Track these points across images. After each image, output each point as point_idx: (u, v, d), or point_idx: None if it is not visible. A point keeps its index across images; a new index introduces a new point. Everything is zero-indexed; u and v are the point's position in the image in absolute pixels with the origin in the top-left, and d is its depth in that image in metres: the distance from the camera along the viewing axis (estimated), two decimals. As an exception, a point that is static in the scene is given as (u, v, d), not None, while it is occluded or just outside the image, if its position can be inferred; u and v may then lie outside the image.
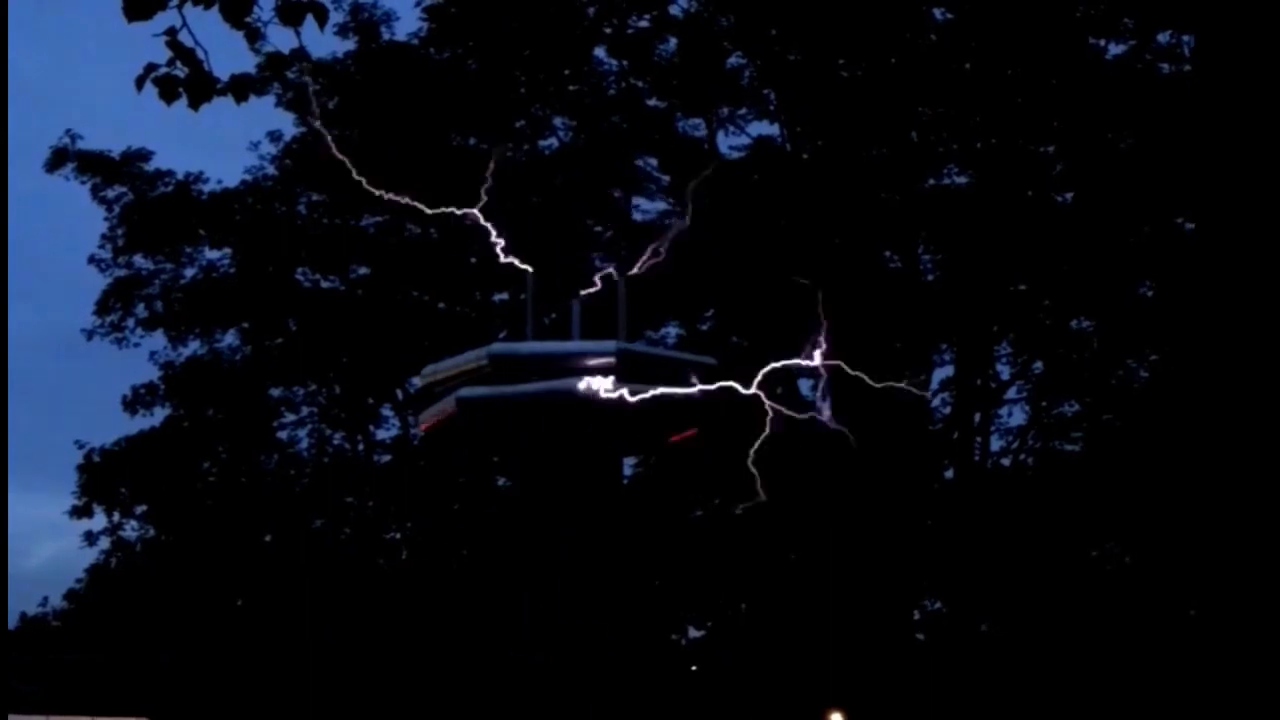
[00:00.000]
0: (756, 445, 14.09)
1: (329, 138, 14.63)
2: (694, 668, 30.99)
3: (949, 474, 29.52)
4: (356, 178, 14.49)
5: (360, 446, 33.08)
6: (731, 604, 31.69)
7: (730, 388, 14.54)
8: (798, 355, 30.15)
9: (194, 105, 7.66)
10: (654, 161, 30.64)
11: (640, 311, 22.15)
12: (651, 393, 13.82)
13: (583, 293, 14.80)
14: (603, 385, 13.54)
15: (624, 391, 13.65)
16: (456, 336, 26.37)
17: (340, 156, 14.41)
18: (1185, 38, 27.88)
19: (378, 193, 15.23)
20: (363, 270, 32.24)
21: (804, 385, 30.46)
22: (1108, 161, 27.63)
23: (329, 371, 32.25)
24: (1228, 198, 25.47)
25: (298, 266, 32.23)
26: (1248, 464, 24.29)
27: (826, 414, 14.37)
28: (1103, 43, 28.67)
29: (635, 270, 14.36)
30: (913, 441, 28.22)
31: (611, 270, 15.34)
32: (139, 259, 32.20)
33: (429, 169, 29.30)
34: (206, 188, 31.98)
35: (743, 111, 30.14)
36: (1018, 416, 29.57)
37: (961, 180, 29.40)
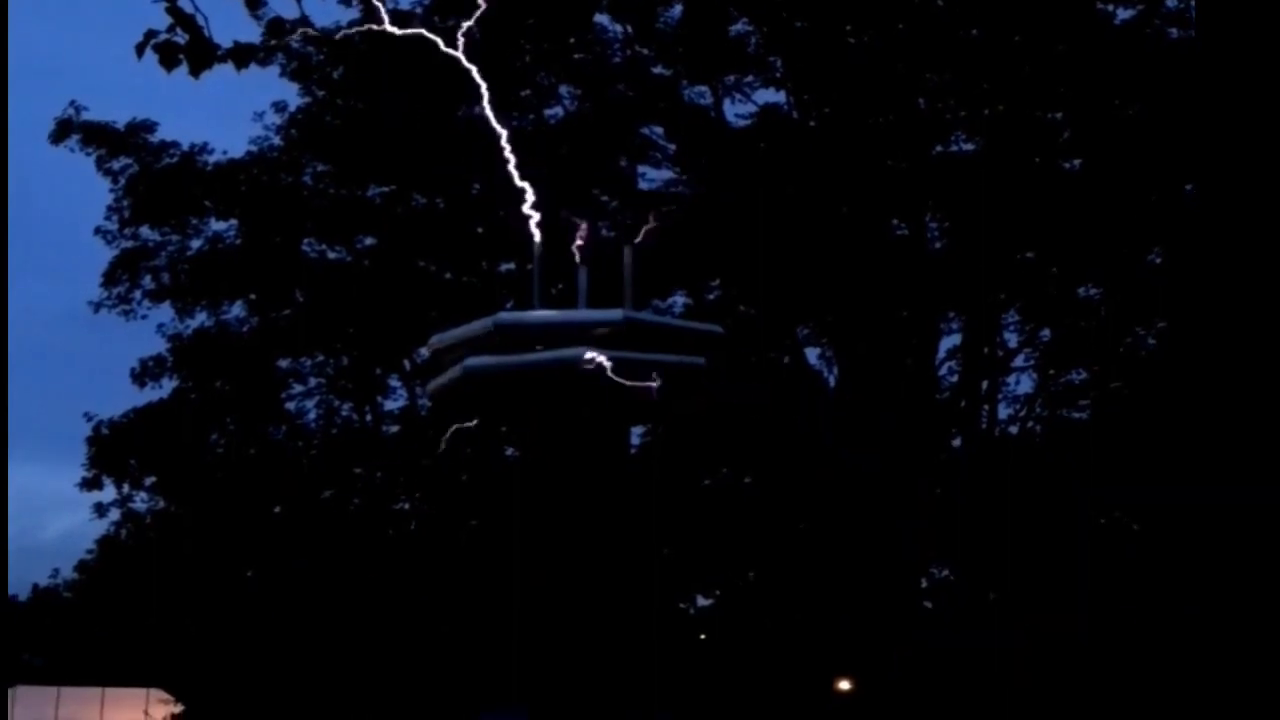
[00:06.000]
0: None
1: None
2: (703, 636, 31.08)
3: (956, 442, 29.54)
4: None
5: (368, 417, 33.13)
6: (740, 573, 31.76)
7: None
8: (802, 324, 30.22)
9: (194, 73, 7.64)
10: (659, 130, 30.58)
11: (647, 280, 22.11)
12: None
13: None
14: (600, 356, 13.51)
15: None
16: (463, 306, 26.37)
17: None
18: (1193, 2, 27.74)
19: None
20: (369, 240, 32.23)
21: (811, 355, 30.55)
22: (1116, 128, 27.53)
23: (336, 342, 32.26)
24: (1235, 165, 25.34)
25: (304, 237, 32.23)
26: (1256, 430, 24.23)
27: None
28: (1110, 8, 28.55)
29: (638, 239, 14.27)
30: (920, 410, 28.23)
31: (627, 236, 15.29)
32: (145, 230, 32.23)
33: (433, 138, 29.32)
34: (212, 159, 31.97)
35: (749, 79, 30.06)
36: (1025, 385, 29.63)
37: (969, 147, 29.33)
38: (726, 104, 30.16)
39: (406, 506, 33.26)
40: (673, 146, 30.29)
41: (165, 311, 32.28)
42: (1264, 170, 24.71)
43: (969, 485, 27.74)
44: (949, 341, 29.47)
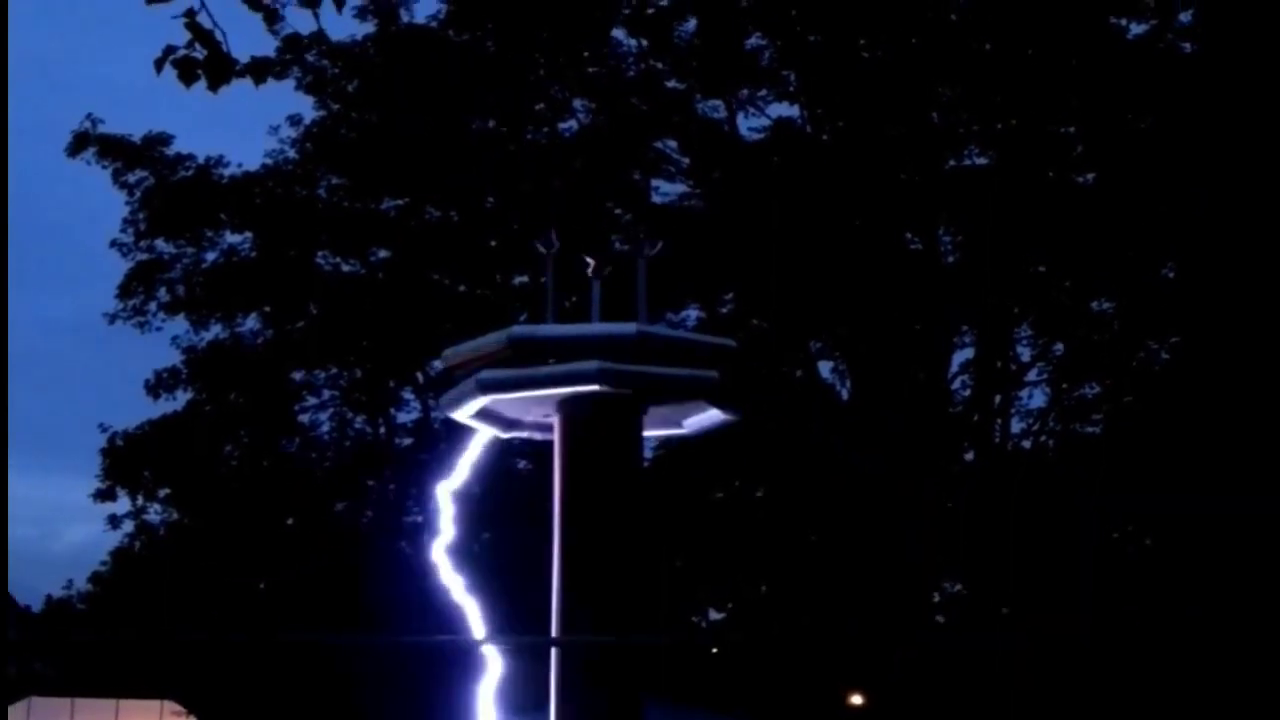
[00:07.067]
0: None
1: None
2: (714, 650, 31.08)
3: (969, 456, 29.52)
4: None
5: (381, 429, 33.21)
6: (752, 585, 31.78)
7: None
8: (815, 338, 30.27)
9: (213, 87, 7.72)
10: (673, 144, 30.66)
11: (661, 294, 22.16)
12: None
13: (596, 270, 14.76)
14: None
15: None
16: (477, 319, 26.45)
17: None
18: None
19: None
20: (383, 253, 32.35)
21: (824, 368, 30.56)
22: (1129, 142, 27.54)
23: (350, 355, 32.38)
24: (1248, 178, 25.33)
25: (318, 250, 32.36)
26: (1270, 447, 24.19)
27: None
28: (1124, 22, 28.57)
29: (650, 253, 14.29)
30: (932, 424, 28.23)
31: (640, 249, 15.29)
32: (160, 243, 32.38)
33: (448, 152, 29.43)
34: (227, 171, 32.12)
35: (762, 93, 30.11)
36: (1038, 399, 29.60)
37: (982, 161, 29.35)
38: (740, 117, 30.26)
39: (419, 519, 33.31)
40: (686, 160, 30.37)
41: (180, 324, 32.48)
42: (1277, 182, 24.69)
43: (981, 498, 27.72)
44: (962, 355, 29.49)
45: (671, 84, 30.63)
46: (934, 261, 29.20)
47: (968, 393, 29.38)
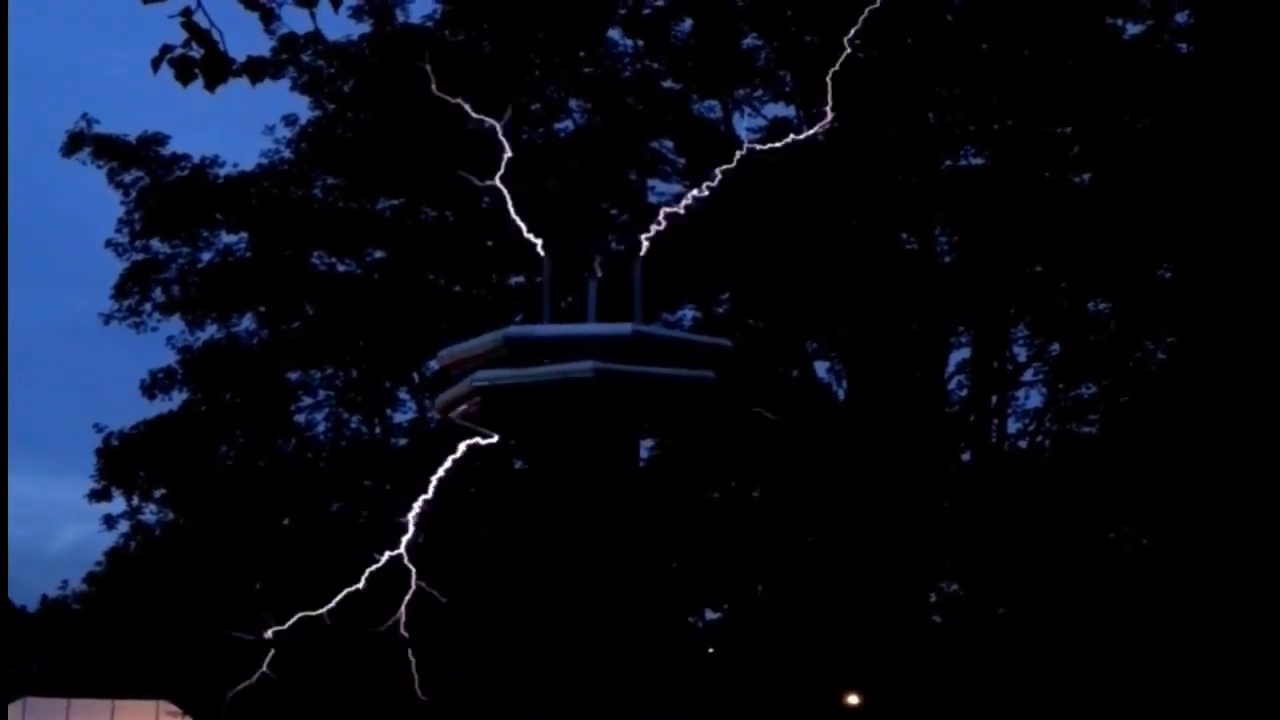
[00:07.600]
0: None
1: None
2: (710, 650, 31.06)
3: (966, 456, 29.51)
4: None
5: (377, 430, 33.15)
6: (749, 586, 31.74)
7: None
8: (812, 338, 30.23)
9: (210, 87, 7.69)
10: (669, 144, 30.64)
11: (657, 294, 22.13)
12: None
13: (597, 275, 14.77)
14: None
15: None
16: (473, 319, 26.42)
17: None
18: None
19: None
20: (379, 253, 32.30)
21: (820, 368, 30.55)
22: (1125, 143, 27.53)
23: (346, 355, 32.31)
24: (1243, 178, 25.32)
25: (314, 250, 32.30)
26: (1265, 447, 24.18)
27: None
28: (1120, 22, 28.57)
29: (644, 240, 14.28)
30: (929, 424, 28.22)
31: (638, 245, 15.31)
32: (156, 243, 32.32)
33: (442, 152, 29.39)
34: (223, 171, 32.09)
35: (759, 93, 30.11)
36: (1034, 399, 29.58)
37: (978, 161, 29.34)
38: (736, 117, 30.24)
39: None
40: (682, 160, 30.36)
41: (175, 324, 32.40)
42: (1273, 184, 24.69)
43: (977, 499, 27.71)
44: (958, 355, 29.49)
45: (668, 84, 30.64)
46: (930, 262, 29.19)
47: (964, 393, 29.37)
